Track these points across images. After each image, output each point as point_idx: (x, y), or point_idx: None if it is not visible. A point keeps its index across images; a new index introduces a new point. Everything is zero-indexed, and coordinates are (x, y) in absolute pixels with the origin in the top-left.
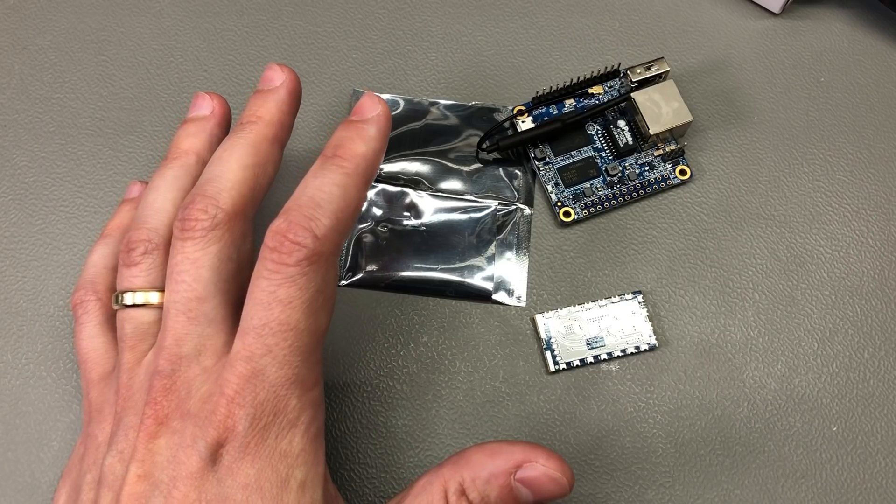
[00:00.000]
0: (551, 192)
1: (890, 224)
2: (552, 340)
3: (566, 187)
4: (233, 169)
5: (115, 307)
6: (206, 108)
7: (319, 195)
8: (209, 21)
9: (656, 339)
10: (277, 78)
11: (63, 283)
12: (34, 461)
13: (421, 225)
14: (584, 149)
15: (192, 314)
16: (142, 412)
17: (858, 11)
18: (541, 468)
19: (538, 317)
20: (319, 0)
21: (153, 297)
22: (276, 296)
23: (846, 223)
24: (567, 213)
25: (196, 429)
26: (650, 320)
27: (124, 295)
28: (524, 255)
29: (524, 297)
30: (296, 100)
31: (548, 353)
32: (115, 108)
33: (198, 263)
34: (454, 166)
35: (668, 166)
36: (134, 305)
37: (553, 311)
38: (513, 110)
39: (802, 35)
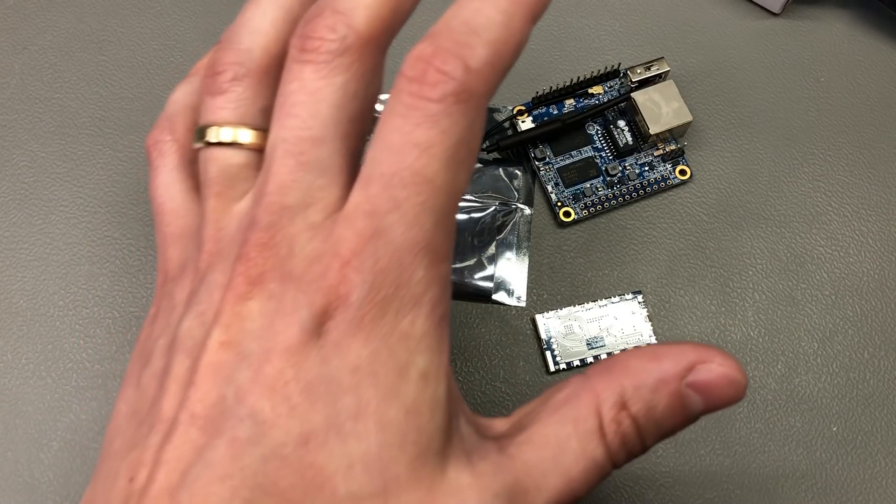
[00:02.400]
0: (551, 192)
1: (890, 224)
2: (552, 340)
3: (566, 187)
4: None
5: (197, 145)
6: None
7: (477, 19)
8: (209, 21)
9: (656, 339)
10: None
11: (63, 283)
12: (34, 461)
13: None
14: (584, 149)
15: (303, 158)
16: (231, 269)
17: (858, 11)
18: (718, 369)
19: (538, 317)
20: None
21: (243, 136)
22: (411, 138)
23: (846, 223)
24: (567, 213)
25: (299, 294)
26: (650, 320)
27: (209, 130)
28: (524, 255)
29: (524, 297)
30: None
31: (548, 353)
32: (115, 108)
33: (317, 96)
34: None
35: (668, 166)
36: (220, 144)
37: (553, 311)
38: (513, 110)
39: (802, 35)
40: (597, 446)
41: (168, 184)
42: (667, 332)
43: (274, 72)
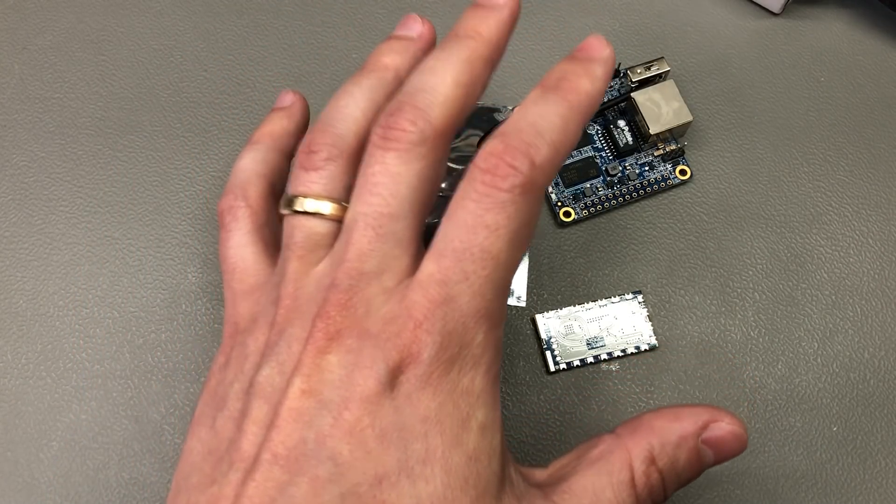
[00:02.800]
0: (551, 192)
1: (890, 224)
2: (552, 340)
3: (566, 187)
4: (447, 83)
5: (285, 211)
6: (414, 29)
7: (541, 122)
8: (209, 21)
9: (656, 339)
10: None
11: (63, 284)
12: (33, 461)
13: None
14: (584, 149)
15: (381, 230)
16: (311, 324)
17: (858, 11)
18: (727, 427)
19: (538, 317)
20: (319, 0)
21: (326, 208)
22: (483, 220)
23: (846, 223)
24: (567, 213)
25: (375, 349)
26: (650, 320)
27: (297, 200)
28: (524, 255)
29: (524, 297)
30: (515, 24)
31: (548, 353)
32: (115, 108)
33: (397, 178)
34: (454, 166)
35: (668, 166)
36: (305, 213)
37: (553, 311)
38: (512, 110)
39: (802, 35)
40: (628, 496)
41: (241, 245)
42: (667, 331)
43: (359, 154)
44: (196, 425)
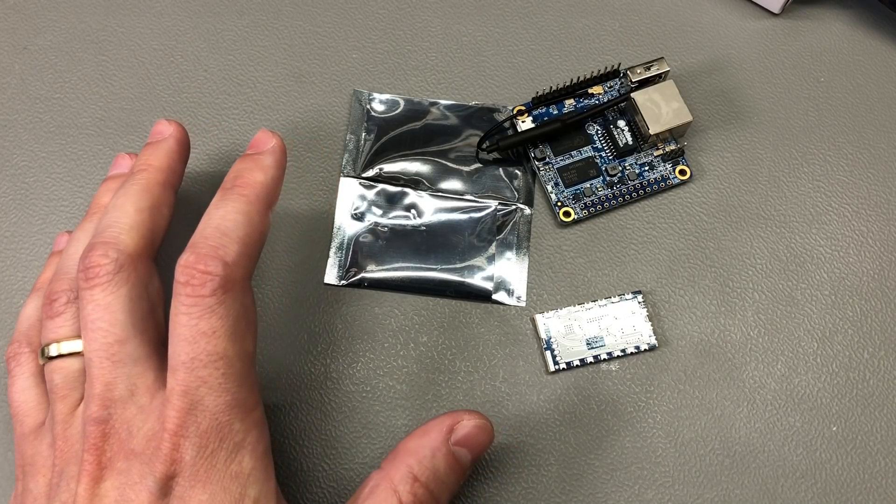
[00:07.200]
0: (551, 192)
1: (890, 224)
2: (552, 340)
3: (566, 187)
4: (129, 213)
5: (42, 361)
6: (124, 166)
7: (224, 224)
8: (209, 21)
9: (656, 339)
10: (166, 130)
11: None
12: None
13: (421, 225)
14: (584, 149)
15: (115, 358)
16: (82, 460)
17: (858, 11)
18: (469, 423)
19: (538, 317)
20: (319, 0)
21: (79, 346)
22: (198, 329)
23: (846, 223)
24: (567, 213)
25: (143, 466)
26: (650, 320)
27: (49, 347)
28: (524, 255)
29: (524, 297)
30: (185, 149)
31: (548, 353)
32: (115, 108)
33: (110, 308)
34: (454, 166)
35: (668, 166)
36: (60, 356)
37: (553, 311)
38: (513, 110)
39: (802, 35)
40: None
41: (25, 388)
42: (667, 331)
43: None
44: None
